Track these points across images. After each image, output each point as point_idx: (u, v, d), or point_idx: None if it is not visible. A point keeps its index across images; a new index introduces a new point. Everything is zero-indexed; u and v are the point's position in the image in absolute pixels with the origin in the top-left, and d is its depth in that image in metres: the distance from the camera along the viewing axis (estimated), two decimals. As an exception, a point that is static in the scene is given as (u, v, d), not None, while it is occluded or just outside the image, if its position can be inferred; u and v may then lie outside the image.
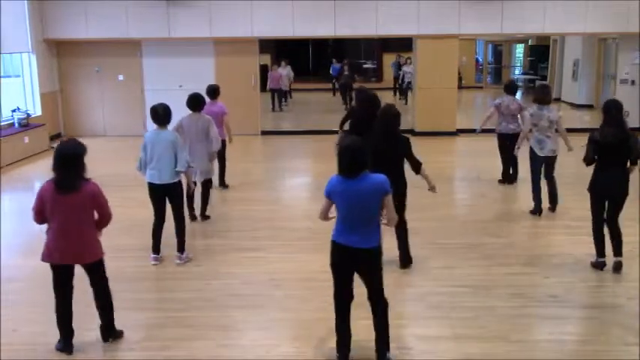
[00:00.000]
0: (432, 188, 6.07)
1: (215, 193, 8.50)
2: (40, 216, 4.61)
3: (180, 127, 7.30)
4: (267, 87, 19.48)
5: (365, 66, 27.22)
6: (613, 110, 5.82)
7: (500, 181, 9.63)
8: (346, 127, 8.35)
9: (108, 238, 4.98)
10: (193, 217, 7.74)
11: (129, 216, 7.47)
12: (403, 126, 6.41)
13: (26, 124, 12.41)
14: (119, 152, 12.27)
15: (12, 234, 7.52)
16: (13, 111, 12.42)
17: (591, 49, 18.57)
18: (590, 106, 18.51)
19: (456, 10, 13.56)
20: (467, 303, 5.39)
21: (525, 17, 13.58)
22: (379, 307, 4.32)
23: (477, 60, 26.93)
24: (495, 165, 10.01)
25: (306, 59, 27.93)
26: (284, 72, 20.07)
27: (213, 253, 6.74)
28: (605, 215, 6.02)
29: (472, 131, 14.21)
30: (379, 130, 5.77)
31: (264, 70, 19.86)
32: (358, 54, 27.20)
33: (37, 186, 11.02)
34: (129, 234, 7.11)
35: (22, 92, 13.44)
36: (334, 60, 22.41)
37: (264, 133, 14.61)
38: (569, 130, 8.40)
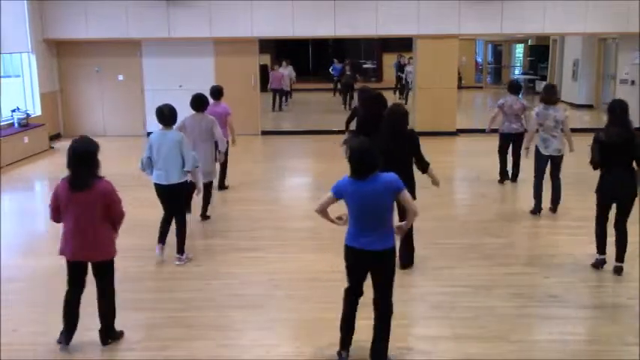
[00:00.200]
0: (436, 183, 6.07)
1: (215, 193, 8.50)
2: (56, 213, 4.61)
3: (183, 128, 7.28)
4: (269, 87, 19.50)
5: (365, 66, 27.23)
6: (618, 110, 5.79)
7: (499, 181, 9.64)
8: (352, 126, 8.41)
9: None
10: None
11: (130, 216, 7.33)
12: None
13: (26, 124, 12.40)
14: (119, 152, 12.25)
15: (12, 234, 7.52)
16: (13, 111, 12.42)
17: (591, 49, 18.58)
18: (590, 106, 18.51)
19: (456, 10, 13.57)
20: (467, 303, 5.39)
21: (525, 17, 13.59)
22: (384, 312, 4.28)
23: (476, 60, 26.94)
24: (496, 165, 10.02)
25: (306, 59, 27.97)
26: (285, 72, 20.08)
27: (213, 253, 6.74)
28: (612, 217, 5.97)
29: (472, 131, 14.29)
30: (387, 130, 5.77)
31: (264, 70, 19.87)
32: (358, 54, 27.21)
33: (37, 186, 11.09)
34: (130, 234, 7.06)
35: (22, 92, 13.43)
36: (335, 60, 22.41)
37: (265, 133, 14.61)
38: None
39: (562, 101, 19.78)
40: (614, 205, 5.98)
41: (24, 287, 5.88)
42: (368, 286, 4.39)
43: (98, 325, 4.71)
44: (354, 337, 4.49)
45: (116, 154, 12.24)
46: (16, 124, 12.27)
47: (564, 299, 5.46)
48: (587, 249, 6.47)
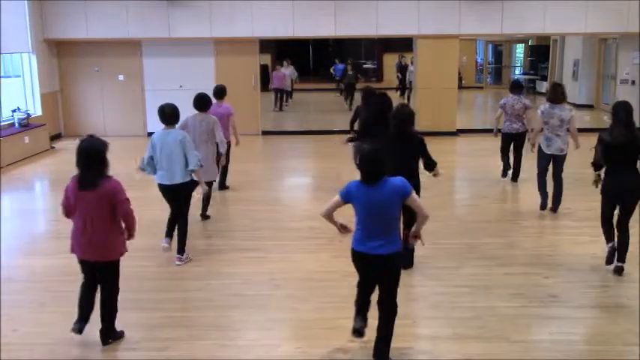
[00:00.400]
0: (436, 174, 6.07)
1: (215, 193, 8.50)
2: (67, 210, 4.63)
3: (185, 127, 7.28)
4: (270, 87, 19.50)
5: (365, 66, 27.24)
6: (621, 112, 5.77)
7: (502, 176, 9.77)
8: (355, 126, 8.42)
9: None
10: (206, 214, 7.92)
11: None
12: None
13: (26, 124, 12.40)
14: (119, 152, 12.25)
15: (12, 234, 7.52)
16: (14, 111, 12.42)
17: (591, 49, 18.58)
18: (590, 106, 18.51)
19: (456, 10, 13.56)
20: (467, 303, 5.39)
21: (525, 17, 13.58)
22: (388, 313, 4.31)
23: (477, 60, 26.93)
24: (496, 165, 10.03)
25: (306, 59, 27.97)
26: (287, 72, 20.10)
27: (213, 253, 6.74)
28: (615, 218, 5.97)
29: (472, 131, 14.29)
30: (393, 131, 5.76)
31: (264, 70, 19.89)
32: (358, 54, 27.20)
33: (38, 186, 11.09)
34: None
35: (22, 92, 13.43)
36: (337, 60, 22.43)
37: (265, 133, 14.61)
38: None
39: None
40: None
41: (24, 287, 5.88)
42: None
43: (99, 325, 4.71)
44: (354, 337, 4.50)
45: (116, 154, 12.23)
46: (16, 124, 12.27)
47: (564, 299, 5.46)
48: (588, 249, 6.48)
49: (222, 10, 13.64)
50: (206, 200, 7.82)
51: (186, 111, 7.42)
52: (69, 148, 13.03)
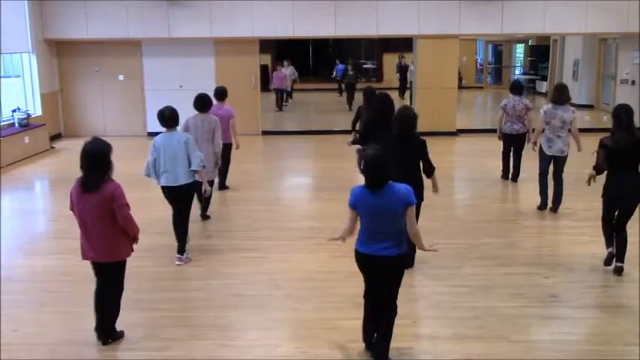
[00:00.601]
0: (435, 190, 6.14)
1: (215, 193, 8.49)
2: (73, 211, 4.68)
3: (186, 128, 7.31)
4: (271, 87, 19.49)
5: (365, 66, 27.24)
6: (623, 115, 5.77)
7: (502, 177, 9.80)
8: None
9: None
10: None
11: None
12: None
13: (26, 124, 12.40)
14: (119, 152, 12.26)
15: (12, 234, 7.52)
16: (14, 111, 12.43)
17: (591, 49, 18.58)
18: (590, 106, 18.51)
19: (456, 10, 13.57)
20: (467, 303, 5.39)
21: (525, 17, 13.58)
22: (388, 313, 4.32)
23: (477, 60, 26.94)
24: (496, 165, 10.04)
25: (306, 59, 27.95)
26: (287, 72, 20.11)
27: (213, 253, 6.74)
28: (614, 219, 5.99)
29: (472, 131, 14.30)
30: (396, 133, 5.76)
31: (264, 70, 19.88)
32: (358, 54, 27.19)
33: (38, 186, 11.08)
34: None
35: (22, 92, 13.44)
36: (337, 61, 22.43)
37: (265, 133, 14.61)
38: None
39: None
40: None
41: (24, 287, 5.88)
42: (360, 287, 4.39)
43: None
44: (354, 337, 4.51)
45: (116, 154, 12.23)
46: (16, 124, 12.28)
47: (564, 299, 5.47)
48: (588, 249, 6.48)
49: (222, 10, 13.64)
50: (206, 201, 7.82)
51: (187, 111, 7.43)
52: (69, 148, 13.04)
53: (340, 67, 21.82)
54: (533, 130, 8.57)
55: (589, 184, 6.00)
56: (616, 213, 5.96)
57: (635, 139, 5.71)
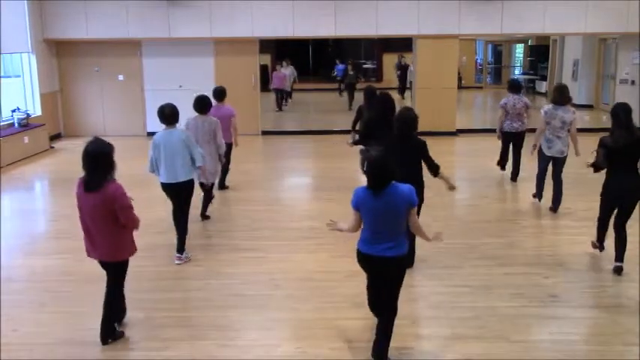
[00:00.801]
0: (451, 188, 6.05)
1: (215, 193, 8.49)
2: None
3: (187, 129, 7.32)
4: (270, 87, 19.48)
5: (365, 66, 27.24)
6: (621, 114, 5.79)
7: (498, 164, 9.96)
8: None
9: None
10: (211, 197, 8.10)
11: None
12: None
13: (26, 124, 12.40)
14: (119, 152, 12.26)
15: (12, 234, 7.52)
16: (13, 111, 12.43)
17: (591, 49, 18.58)
18: (590, 107, 18.51)
19: (456, 10, 13.57)
20: (467, 303, 5.39)
21: (525, 17, 13.59)
22: (388, 313, 4.33)
23: (476, 60, 26.94)
24: (495, 165, 10.04)
25: (306, 59, 27.95)
26: (287, 72, 20.11)
27: (213, 253, 6.74)
28: (613, 218, 6.01)
29: (472, 131, 14.30)
30: (396, 133, 5.76)
31: (264, 70, 19.87)
32: (358, 54, 27.20)
33: (38, 186, 11.06)
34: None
35: (22, 92, 13.44)
36: (338, 61, 22.42)
37: (265, 133, 14.61)
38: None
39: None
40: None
41: (24, 287, 5.87)
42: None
43: (98, 325, 4.72)
44: (354, 337, 4.51)
45: (117, 154, 12.24)
46: (16, 124, 12.28)
47: (564, 299, 5.47)
48: (588, 249, 6.48)
49: (222, 10, 13.64)
50: (206, 200, 7.83)
51: (186, 111, 7.42)
52: (69, 148, 13.04)
53: (340, 67, 21.84)
54: (534, 130, 8.58)
55: (587, 166, 6.02)
56: (614, 212, 5.98)
57: (635, 137, 5.72)
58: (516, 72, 26.35)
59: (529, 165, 9.05)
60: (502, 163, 9.94)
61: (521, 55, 26.55)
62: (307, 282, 5.88)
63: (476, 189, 9.54)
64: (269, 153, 13.16)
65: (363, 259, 4.30)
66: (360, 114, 8.42)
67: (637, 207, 5.97)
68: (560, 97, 7.72)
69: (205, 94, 7.78)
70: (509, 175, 9.71)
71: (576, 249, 6.63)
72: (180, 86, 13.54)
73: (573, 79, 19.16)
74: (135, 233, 4.78)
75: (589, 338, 4.92)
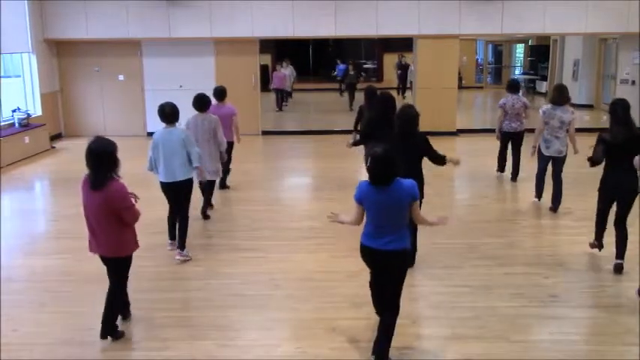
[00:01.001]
0: (457, 163, 6.07)
1: (215, 193, 8.50)
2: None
3: (187, 128, 7.34)
4: (270, 87, 19.48)
5: (365, 66, 27.25)
6: (619, 110, 5.80)
7: (497, 170, 9.96)
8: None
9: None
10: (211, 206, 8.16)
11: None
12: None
13: (26, 124, 12.40)
14: (120, 152, 12.27)
15: (12, 234, 7.52)
16: (14, 111, 12.43)
17: (591, 49, 18.58)
18: (590, 106, 18.51)
19: (457, 10, 13.57)
20: (467, 303, 5.39)
21: (525, 17, 13.58)
22: (390, 312, 4.36)
23: (477, 60, 26.94)
24: (495, 164, 10.04)
25: (306, 59, 27.96)
26: (287, 72, 20.12)
27: (213, 253, 6.74)
28: (614, 215, 6.03)
29: (472, 131, 14.29)
30: (398, 131, 5.77)
31: (264, 70, 19.86)
32: (358, 54, 27.21)
33: (38, 186, 11.06)
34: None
35: (22, 92, 13.44)
36: (339, 60, 22.42)
37: (265, 133, 14.61)
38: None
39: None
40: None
41: (24, 287, 5.88)
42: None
43: (99, 325, 4.73)
44: (354, 337, 4.51)
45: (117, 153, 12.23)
46: (16, 124, 12.28)
47: (564, 299, 5.46)
48: (587, 249, 6.48)
49: (222, 10, 13.64)
50: (207, 199, 7.87)
51: (187, 111, 7.43)
52: (69, 148, 13.05)
53: (341, 67, 21.84)
54: (533, 130, 8.59)
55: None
56: (612, 207, 6.01)
57: (633, 133, 5.74)
58: (517, 72, 26.34)
59: (529, 165, 9.05)
60: (501, 165, 9.93)
61: (522, 55, 26.54)
62: (307, 282, 5.88)
63: (476, 189, 9.54)
64: (269, 153, 13.16)
65: (367, 252, 4.33)
66: (361, 114, 8.42)
67: (637, 205, 5.97)
68: (559, 97, 7.74)
69: (204, 93, 7.79)
70: (510, 176, 9.71)
71: (576, 249, 6.62)
72: (181, 86, 13.53)
73: (574, 79, 19.16)
74: (136, 233, 4.79)
75: (589, 338, 4.92)
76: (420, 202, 5.75)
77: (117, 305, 4.83)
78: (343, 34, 14.09)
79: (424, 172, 5.92)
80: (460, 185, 10.23)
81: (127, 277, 4.89)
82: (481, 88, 25.90)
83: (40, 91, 13.51)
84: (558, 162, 7.88)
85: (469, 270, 6.13)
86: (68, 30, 13.75)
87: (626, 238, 5.93)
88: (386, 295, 4.38)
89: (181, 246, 6.45)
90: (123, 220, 4.58)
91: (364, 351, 4.52)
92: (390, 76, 24.53)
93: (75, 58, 14.26)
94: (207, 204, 8.01)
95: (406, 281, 5.52)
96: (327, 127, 14.95)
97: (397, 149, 5.00)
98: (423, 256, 6.29)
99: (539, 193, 8.29)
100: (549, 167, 8.00)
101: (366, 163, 4.31)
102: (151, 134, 13.15)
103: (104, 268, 4.97)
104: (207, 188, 7.94)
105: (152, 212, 7.35)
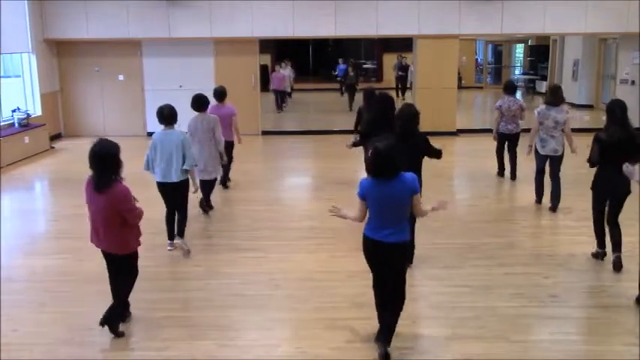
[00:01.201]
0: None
1: (216, 193, 8.51)
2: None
3: (188, 131, 7.43)
4: (270, 87, 19.48)
5: (365, 66, 27.24)
6: (617, 110, 5.86)
7: (498, 174, 9.94)
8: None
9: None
10: (210, 207, 8.16)
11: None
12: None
13: (26, 124, 12.40)
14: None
15: (12, 234, 7.52)
16: (14, 111, 12.42)
17: (591, 49, 18.57)
18: (590, 106, 18.51)
19: (456, 10, 13.57)
20: (467, 303, 5.39)
21: (525, 17, 13.58)
22: (396, 301, 4.47)
23: (477, 60, 26.93)
24: (495, 165, 10.04)
25: (306, 59, 27.95)
26: (286, 72, 20.10)
27: (213, 253, 6.74)
28: (606, 213, 6.10)
29: (472, 131, 14.29)
30: (399, 131, 5.79)
31: (264, 70, 19.85)
32: (358, 54, 27.19)
33: (38, 186, 11.06)
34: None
35: (22, 92, 13.44)
36: (340, 60, 22.42)
37: (265, 133, 14.61)
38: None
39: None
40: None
41: (24, 287, 5.87)
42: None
43: (98, 325, 4.74)
44: (354, 338, 4.53)
45: (116, 154, 12.22)
46: (16, 124, 12.27)
47: (564, 299, 5.46)
48: (587, 249, 6.48)
49: (222, 10, 13.64)
50: (207, 194, 7.93)
51: (187, 111, 7.45)
52: (69, 148, 13.05)
53: (342, 67, 21.83)
54: (529, 130, 8.64)
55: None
56: (606, 206, 6.06)
57: (629, 134, 5.80)
58: (516, 72, 26.36)
59: (527, 166, 9.05)
60: (501, 169, 9.91)
61: (522, 55, 26.55)
62: (307, 282, 5.88)
63: (476, 189, 9.54)
64: (269, 153, 13.16)
65: (369, 244, 4.42)
66: (361, 116, 8.44)
67: (637, 205, 5.99)
68: (553, 98, 7.83)
69: (203, 93, 7.81)
70: (509, 175, 9.74)
71: (576, 249, 6.62)
72: (181, 86, 13.53)
73: (573, 79, 19.16)
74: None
75: (589, 338, 4.92)
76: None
77: (122, 298, 4.90)
78: (343, 34, 14.09)
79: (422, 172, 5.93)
80: (460, 185, 10.23)
81: (134, 276, 4.97)
82: (481, 88, 25.90)
83: (40, 91, 13.51)
84: (555, 161, 7.91)
85: (469, 270, 6.13)
86: (68, 30, 13.75)
87: (620, 233, 6.00)
88: (387, 290, 4.47)
89: (181, 233, 6.62)
90: (127, 221, 4.65)
91: (364, 351, 4.53)
92: (390, 77, 24.52)
93: (75, 58, 14.26)
94: (207, 199, 8.04)
95: (406, 281, 5.53)
96: (327, 127, 14.95)
97: (398, 150, 5.03)
98: (423, 256, 6.29)
99: (539, 197, 8.28)
100: (547, 168, 8.02)
101: (367, 163, 4.35)
102: (150, 134, 13.16)
103: (104, 268, 4.98)
104: (208, 187, 7.94)
105: (152, 212, 7.32)
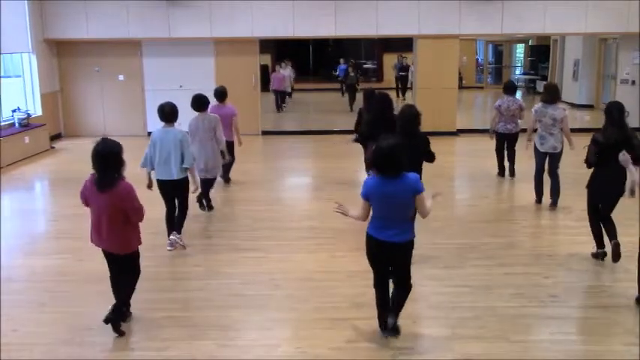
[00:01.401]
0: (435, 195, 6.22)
1: (216, 193, 8.51)
2: (84, 202, 4.84)
3: (189, 131, 7.46)
4: (270, 88, 19.48)
5: (365, 66, 27.24)
6: (615, 112, 5.97)
7: (498, 174, 9.95)
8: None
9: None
10: (210, 207, 8.16)
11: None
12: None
13: (26, 124, 12.40)
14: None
15: (12, 234, 7.52)
16: (14, 111, 12.43)
17: (591, 49, 18.57)
18: (590, 106, 18.51)
19: (457, 10, 13.57)
20: (467, 303, 5.39)
21: (525, 17, 13.58)
22: (404, 288, 4.60)
23: (477, 60, 26.93)
24: (495, 165, 10.05)
25: (306, 59, 27.96)
26: (286, 73, 20.10)
27: (213, 253, 6.74)
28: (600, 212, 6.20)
29: (472, 131, 14.28)
30: (400, 131, 5.81)
31: (264, 70, 19.85)
32: (358, 54, 27.20)
33: (38, 186, 11.06)
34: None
35: (22, 92, 13.44)
36: (341, 60, 22.42)
37: (265, 133, 14.61)
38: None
39: (563, 101, 19.82)
40: None
41: (24, 287, 5.88)
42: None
43: (99, 325, 4.76)
44: (355, 338, 4.53)
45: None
46: (16, 124, 12.28)
47: (564, 299, 5.46)
48: (587, 249, 6.48)
49: (222, 10, 13.64)
50: (206, 191, 7.90)
51: (187, 111, 7.46)
52: (69, 148, 13.05)
53: (343, 67, 21.83)
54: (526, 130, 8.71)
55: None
56: (600, 205, 6.16)
57: (626, 135, 5.86)
58: (517, 72, 26.35)
59: (526, 165, 9.05)
60: (501, 169, 9.94)
61: (522, 55, 26.55)
62: (307, 282, 5.88)
63: (476, 189, 9.54)
64: (269, 153, 13.16)
65: (373, 243, 4.45)
66: (361, 116, 8.47)
67: (637, 205, 5.99)
68: (549, 95, 7.97)
69: (203, 93, 7.83)
70: (509, 172, 9.81)
71: (576, 249, 6.62)
72: (181, 86, 13.53)
73: (574, 79, 19.16)
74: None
75: (589, 338, 4.91)
76: None
77: (125, 296, 4.93)
78: (343, 34, 14.09)
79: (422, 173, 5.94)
80: (460, 185, 10.23)
81: (137, 275, 5.00)
82: (481, 88, 25.89)
83: (40, 91, 13.51)
84: (554, 158, 7.98)
85: (469, 270, 6.13)
86: (68, 30, 13.75)
87: (615, 226, 6.09)
88: (394, 282, 4.57)
89: (178, 229, 6.63)
90: (130, 219, 4.68)
91: (364, 351, 4.53)
92: (391, 77, 24.52)
93: (75, 58, 14.26)
94: (207, 198, 8.06)
95: (411, 274, 5.53)
96: (327, 127, 14.95)
97: (402, 148, 5.05)
98: (423, 256, 6.28)
99: (539, 197, 8.30)
100: (546, 167, 8.06)
101: (366, 162, 4.37)
102: (151, 134, 13.21)
103: (105, 268, 4.98)
104: (208, 185, 7.95)
105: (152, 212, 7.33)
